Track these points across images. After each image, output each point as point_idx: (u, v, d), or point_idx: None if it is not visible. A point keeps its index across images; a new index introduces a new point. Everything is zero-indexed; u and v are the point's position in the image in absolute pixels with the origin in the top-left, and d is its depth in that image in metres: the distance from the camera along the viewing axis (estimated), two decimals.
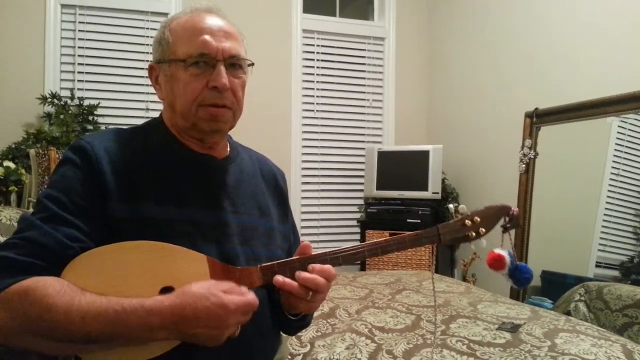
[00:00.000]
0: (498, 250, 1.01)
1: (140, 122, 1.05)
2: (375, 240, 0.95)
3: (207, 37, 0.91)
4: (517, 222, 1.01)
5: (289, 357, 1.33)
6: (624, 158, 2.24)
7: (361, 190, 3.52)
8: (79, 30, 3.07)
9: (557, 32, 2.65)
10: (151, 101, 3.14)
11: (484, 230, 0.98)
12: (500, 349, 1.30)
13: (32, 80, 2.96)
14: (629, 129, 2.24)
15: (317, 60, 3.61)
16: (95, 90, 3.09)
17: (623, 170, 2.24)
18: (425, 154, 3.16)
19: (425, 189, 3.14)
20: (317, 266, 0.88)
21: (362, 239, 3.22)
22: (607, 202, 2.27)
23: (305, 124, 3.57)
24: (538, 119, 2.63)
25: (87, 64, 3.09)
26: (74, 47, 3.06)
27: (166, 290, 0.80)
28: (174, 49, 0.93)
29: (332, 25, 3.65)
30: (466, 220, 0.98)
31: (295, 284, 0.86)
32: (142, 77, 3.10)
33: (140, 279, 0.79)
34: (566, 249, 2.50)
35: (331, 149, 3.64)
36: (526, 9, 2.88)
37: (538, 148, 2.63)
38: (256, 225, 1.00)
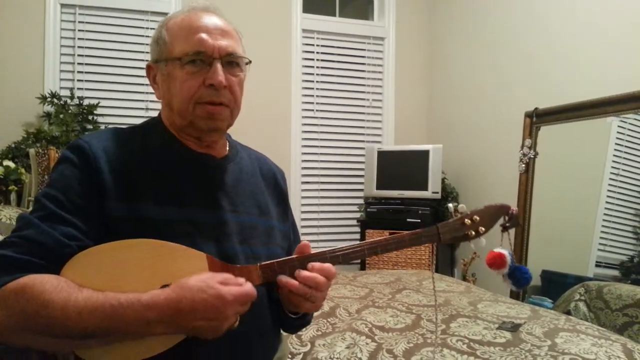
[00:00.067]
0: (498, 250, 1.01)
1: (140, 121, 1.04)
2: (375, 239, 0.95)
3: (203, 35, 0.91)
4: (517, 222, 1.01)
5: (290, 356, 1.33)
6: (624, 158, 2.25)
7: (361, 190, 3.52)
8: (79, 30, 3.07)
9: (557, 32, 2.65)
10: (151, 101, 3.14)
11: (483, 229, 0.98)
12: (500, 349, 1.30)
13: (32, 80, 2.96)
14: (629, 129, 2.24)
15: (317, 60, 3.61)
16: (95, 90, 3.09)
17: (623, 170, 2.24)
18: (425, 154, 3.17)
19: (425, 188, 3.14)
20: (317, 265, 0.89)
21: (362, 239, 3.22)
22: (607, 202, 2.27)
23: (305, 124, 3.57)
24: (538, 118, 2.63)
25: (86, 64, 3.09)
26: (73, 46, 3.06)
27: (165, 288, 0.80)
28: (170, 48, 0.94)
29: (331, 25, 3.65)
30: (466, 219, 0.98)
31: (297, 283, 0.86)
32: (142, 76, 3.09)
33: (139, 277, 0.79)
34: (566, 249, 2.50)
35: (331, 149, 3.64)
36: (526, 9, 2.88)
37: (538, 148, 2.63)
38: (255, 224, 1.00)
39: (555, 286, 2.38)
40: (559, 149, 2.57)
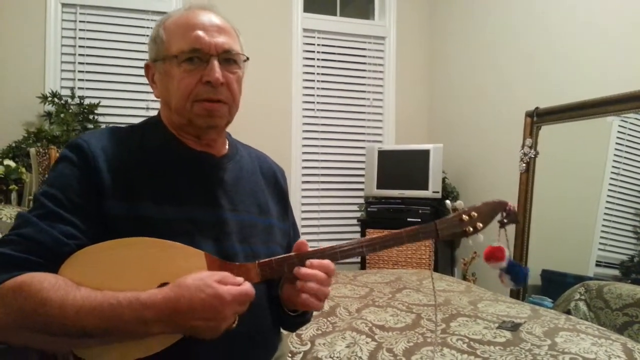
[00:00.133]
0: (495, 245, 1.01)
1: (140, 121, 1.05)
2: (373, 236, 0.95)
3: (199, 32, 0.91)
4: (515, 218, 1.01)
5: (290, 354, 1.34)
6: (625, 157, 2.25)
7: (361, 189, 3.52)
8: (80, 29, 3.07)
9: (557, 32, 2.65)
10: (151, 100, 3.15)
11: (481, 225, 0.98)
12: (500, 348, 1.30)
13: (33, 79, 2.96)
14: (630, 128, 2.24)
15: (318, 59, 3.61)
16: (96, 89, 3.09)
17: (623, 169, 2.24)
18: (425, 153, 3.17)
19: (426, 188, 3.14)
20: (316, 261, 0.89)
21: None
22: (608, 202, 2.27)
23: (306, 123, 3.57)
24: (538, 118, 2.63)
25: (87, 63, 3.09)
26: (74, 46, 3.06)
27: (163, 287, 0.79)
28: (168, 46, 0.94)
29: (332, 24, 3.65)
30: (463, 216, 0.98)
31: (311, 271, 0.87)
32: (143, 76, 3.05)
33: (138, 275, 0.79)
34: (566, 248, 2.50)
35: (331, 148, 3.64)
36: (526, 9, 2.88)
37: (538, 147, 2.63)
38: (255, 222, 1.00)
39: (555, 286, 2.38)
40: (559, 148, 2.57)
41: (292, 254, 0.91)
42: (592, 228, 2.31)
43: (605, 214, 2.27)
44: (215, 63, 0.91)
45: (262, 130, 3.25)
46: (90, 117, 2.97)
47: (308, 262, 0.88)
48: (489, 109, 3.17)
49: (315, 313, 1.58)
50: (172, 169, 0.93)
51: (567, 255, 2.48)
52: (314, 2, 3.65)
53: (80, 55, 3.07)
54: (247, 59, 0.99)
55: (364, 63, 3.72)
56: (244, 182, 1.02)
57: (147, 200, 0.87)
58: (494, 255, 1.00)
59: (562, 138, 2.55)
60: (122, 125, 1.00)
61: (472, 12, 3.37)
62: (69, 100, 2.93)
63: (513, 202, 1.03)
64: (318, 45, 3.61)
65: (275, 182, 1.13)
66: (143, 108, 3.16)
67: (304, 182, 3.55)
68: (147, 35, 3.14)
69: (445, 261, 3.42)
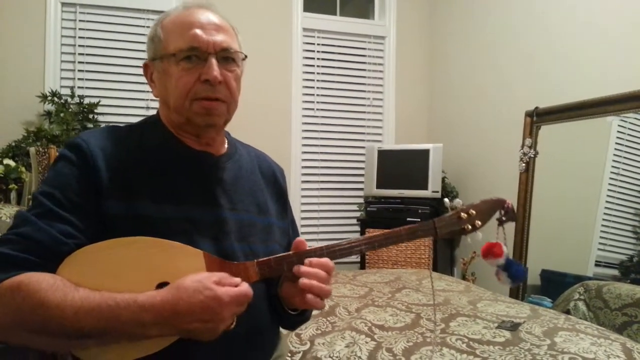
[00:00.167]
0: (494, 242, 1.01)
1: (139, 120, 1.05)
2: (372, 234, 0.95)
3: (197, 30, 0.91)
4: (514, 216, 1.01)
5: (289, 354, 1.34)
6: (624, 157, 2.25)
7: (361, 189, 3.52)
8: (79, 29, 3.07)
9: (557, 32, 2.65)
10: (151, 99, 3.14)
11: (479, 223, 0.98)
12: (500, 348, 1.30)
13: (33, 79, 2.96)
14: (629, 128, 2.24)
15: (318, 58, 3.61)
16: (96, 89, 3.09)
17: (623, 169, 2.24)
18: (425, 153, 3.17)
19: (425, 187, 3.14)
20: (315, 260, 0.89)
21: None
22: (607, 201, 2.27)
23: (306, 123, 3.57)
24: (538, 118, 2.63)
25: (87, 62, 3.09)
26: (74, 45, 3.06)
27: (162, 286, 0.79)
28: (165, 45, 0.94)
29: (332, 23, 3.65)
30: (462, 213, 0.98)
31: (312, 269, 0.87)
32: (142, 75, 3.08)
33: (136, 275, 0.79)
34: (566, 248, 2.50)
35: (331, 148, 3.64)
36: (526, 9, 2.88)
37: (538, 147, 2.63)
38: (254, 222, 1.00)
39: (555, 285, 2.38)
40: (559, 148, 2.57)
41: (290, 252, 0.91)
42: (591, 228, 2.31)
43: (605, 213, 2.27)
44: (213, 61, 0.91)
45: (261, 129, 3.25)
46: (90, 116, 2.97)
47: (307, 260, 0.88)
48: (488, 108, 3.17)
49: (314, 312, 1.58)
50: (171, 168, 0.93)
51: (566, 255, 2.48)
52: (314, 2, 3.65)
53: (80, 54, 3.07)
54: (246, 57, 0.99)
55: (364, 63, 3.72)
56: (243, 181, 1.02)
57: (145, 199, 0.87)
58: (491, 251, 1.00)
59: (562, 138, 2.55)
60: (121, 125, 1.00)
61: (472, 12, 3.37)
62: (69, 99, 2.93)
63: (513, 202, 1.02)
64: (318, 44, 3.61)
65: (274, 181, 1.13)
66: (143, 107, 3.16)
67: (303, 181, 3.55)
68: (147, 35, 3.15)
69: (444, 261, 3.42)
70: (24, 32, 2.96)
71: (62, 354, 0.84)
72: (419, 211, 3.08)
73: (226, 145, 1.05)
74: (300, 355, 1.35)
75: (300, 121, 3.54)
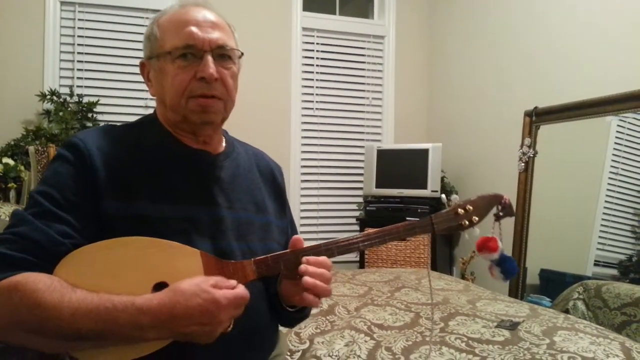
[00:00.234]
0: (489, 236, 1.01)
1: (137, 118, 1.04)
2: (370, 231, 0.95)
3: (193, 28, 0.91)
4: (511, 211, 1.00)
5: (288, 353, 1.34)
6: (623, 157, 2.25)
7: (360, 189, 3.52)
8: (79, 28, 3.07)
9: (557, 31, 2.65)
10: (150, 98, 3.14)
11: (477, 218, 0.98)
12: (499, 347, 1.30)
13: (32, 78, 2.96)
14: (628, 128, 2.24)
15: (317, 58, 3.61)
16: (95, 88, 3.09)
17: (622, 169, 2.24)
18: (424, 153, 3.17)
19: (425, 187, 3.14)
20: (312, 258, 0.88)
21: None
22: (606, 201, 2.27)
23: (305, 122, 3.57)
24: (537, 117, 2.63)
25: (86, 61, 3.09)
26: (73, 44, 3.06)
27: (160, 286, 0.79)
28: (161, 43, 0.94)
29: (332, 23, 3.65)
30: (459, 209, 0.98)
31: (315, 269, 0.87)
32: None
33: (133, 275, 0.79)
34: (565, 248, 2.50)
35: (330, 147, 3.64)
36: (526, 9, 2.88)
37: (537, 147, 2.63)
38: (252, 220, 1.00)
39: (554, 285, 2.38)
40: (558, 148, 2.57)
41: (287, 250, 0.91)
42: (590, 227, 2.32)
43: (604, 213, 2.27)
44: (209, 59, 0.91)
45: (261, 128, 3.25)
46: (89, 115, 2.97)
47: (304, 259, 0.88)
48: (488, 108, 3.17)
49: (314, 311, 1.58)
50: (168, 167, 0.93)
51: (565, 254, 2.49)
52: (314, 1, 3.64)
53: (79, 53, 3.07)
54: (242, 54, 0.99)
55: (363, 62, 3.72)
56: (240, 180, 1.02)
57: (144, 198, 0.86)
58: (486, 245, 0.99)
59: (561, 137, 2.55)
60: (119, 124, 1.00)
61: (472, 12, 3.37)
62: (68, 98, 2.93)
63: (512, 202, 1.02)
64: (317, 44, 3.61)
65: (272, 179, 1.13)
66: (142, 106, 3.16)
67: (302, 181, 3.55)
68: None
69: (443, 260, 3.42)
70: (23, 31, 2.96)
71: (60, 354, 0.83)
72: (419, 210, 3.08)
73: (224, 144, 1.05)
74: (299, 354, 1.35)
75: (300, 120, 3.54)
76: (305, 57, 3.57)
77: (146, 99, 3.15)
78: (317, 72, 3.60)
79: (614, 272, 2.21)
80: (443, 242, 3.43)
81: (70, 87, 3.00)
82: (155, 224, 0.85)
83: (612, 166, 2.26)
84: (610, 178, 2.27)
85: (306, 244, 0.92)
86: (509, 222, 1.01)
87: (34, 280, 0.74)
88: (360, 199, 3.53)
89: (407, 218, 3.07)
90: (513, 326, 1.44)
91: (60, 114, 2.84)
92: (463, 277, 2.97)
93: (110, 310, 0.73)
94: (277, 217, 1.08)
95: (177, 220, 0.88)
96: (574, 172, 2.49)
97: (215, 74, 0.91)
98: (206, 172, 0.97)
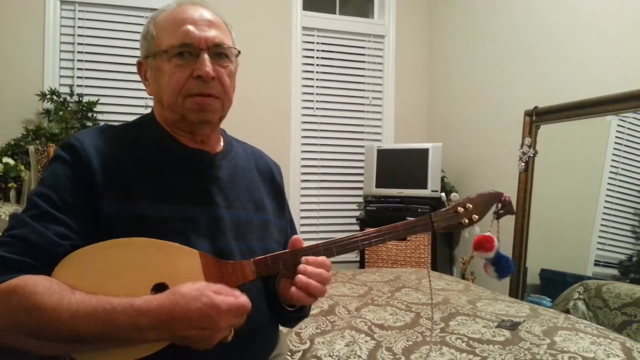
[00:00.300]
0: (486, 234, 1.00)
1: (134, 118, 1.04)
2: (368, 230, 0.95)
3: (189, 27, 0.91)
4: (511, 209, 1.00)
5: (289, 353, 1.34)
6: (623, 157, 2.25)
7: (360, 188, 3.52)
8: (79, 27, 3.06)
9: (557, 31, 2.65)
10: (150, 98, 3.13)
11: (477, 217, 0.98)
12: (499, 347, 1.30)
13: (32, 77, 2.95)
14: (628, 128, 2.24)
15: (317, 57, 3.61)
16: (95, 87, 3.09)
17: (622, 169, 2.24)
18: (424, 152, 3.16)
19: (425, 187, 3.14)
20: (311, 258, 0.88)
21: None
22: (606, 201, 2.27)
23: (305, 122, 3.57)
24: (537, 117, 2.63)
25: (86, 61, 3.09)
26: (73, 43, 3.06)
27: (159, 286, 0.79)
28: (158, 42, 0.93)
29: (332, 22, 3.65)
30: (459, 208, 0.98)
31: (312, 282, 0.87)
32: None
33: (132, 276, 0.79)
34: (565, 248, 2.50)
35: (330, 147, 3.64)
36: (526, 8, 2.88)
37: (537, 146, 2.63)
38: (251, 219, 0.99)
39: (554, 285, 2.38)
40: (558, 147, 2.57)
41: (286, 250, 0.91)
42: (590, 227, 2.32)
43: (604, 213, 2.27)
44: (206, 57, 0.91)
45: (261, 128, 3.25)
46: (89, 114, 2.96)
47: (303, 259, 0.88)
48: (488, 108, 3.17)
49: (314, 312, 1.58)
50: (167, 167, 0.93)
51: (565, 254, 2.49)
52: (314, 1, 3.64)
53: (79, 52, 3.07)
54: (239, 52, 0.99)
55: (364, 62, 3.72)
56: (239, 179, 1.02)
57: (142, 198, 0.86)
58: (482, 245, 0.99)
59: (561, 137, 2.55)
60: (116, 124, 0.99)
61: (472, 12, 3.37)
62: (68, 97, 2.93)
63: (512, 201, 1.02)
64: (317, 43, 3.61)
65: (271, 178, 1.12)
66: (142, 106, 3.16)
67: (302, 180, 3.55)
68: None
69: (444, 260, 3.42)
70: (23, 30, 2.96)
71: (60, 356, 0.83)
72: (419, 210, 3.07)
73: (222, 143, 1.05)
74: (300, 354, 1.35)
75: (300, 120, 3.54)
76: (305, 56, 3.57)
77: (146, 98, 3.14)
78: (317, 72, 3.60)
79: (614, 272, 2.21)
80: (443, 242, 3.43)
81: (71, 86, 3.00)
82: (154, 224, 0.85)
83: (612, 166, 2.26)
84: (610, 178, 2.27)
85: (306, 244, 0.92)
86: (509, 222, 1.01)
87: (33, 283, 0.74)
88: (361, 199, 3.53)
89: (407, 218, 3.06)
90: (513, 326, 1.44)
91: (61, 113, 2.84)
92: (463, 277, 2.97)
93: (109, 312, 0.73)
94: (275, 216, 1.08)
95: (176, 220, 0.88)
96: (574, 171, 2.49)
97: (212, 73, 0.91)
98: (204, 172, 0.97)
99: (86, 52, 3.08)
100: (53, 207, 0.81)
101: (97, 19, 3.10)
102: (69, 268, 0.78)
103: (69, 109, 2.90)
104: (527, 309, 1.66)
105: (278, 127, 3.47)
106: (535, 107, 2.63)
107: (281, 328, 1.10)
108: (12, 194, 2.49)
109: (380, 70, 3.76)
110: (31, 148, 2.56)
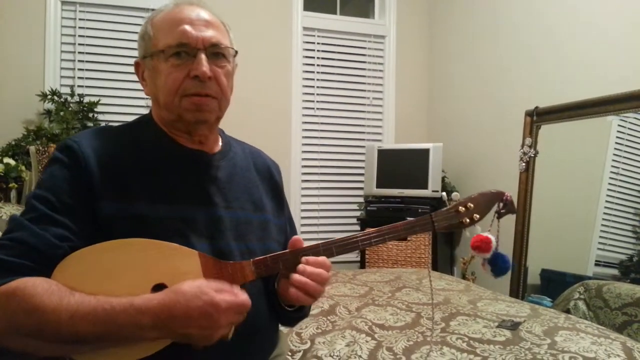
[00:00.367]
0: (485, 234, 1.00)
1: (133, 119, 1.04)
2: (368, 230, 0.94)
3: (186, 26, 0.91)
4: (513, 208, 0.99)
5: (289, 353, 1.34)
6: (624, 157, 2.25)
7: (361, 189, 3.51)
8: (79, 27, 3.07)
9: (558, 31, 2.65)
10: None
11: (478, 216, 0.97)
12: (500, 347, 1.30)
13: (33, 77, 2.96)
14: (629, 128, 2.24)
15: (318, 58, 3.61)
16: (96, 87, 3.09)
17: (623, 169, 2.24)
18: (425, 152, 3.16)
19: (425, 187, 3.14)
20: (311, 258, 0.89)
21: None
22: (607, 201, 2.27)
23: (306, 122, 3.57)
24: (538, 117, 2.63)
25: (87, 61, 3.09)
26: (74, 43, 3.06)
27: (158, 287, 0.79)
28: (155, 42, 0.94)
29: (332, 23, 3.65)
30: (460, 207, 0.97)
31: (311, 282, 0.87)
32: None
33: (132, 276, 0.79)
34: (566, 248, 2.50)
35: (331, 147, 3.64)
36: (527, 8, 2.88)
37: (538, 146, 2.63)
38: (250, 219, 0.99)
39: (555, 285, 2.38)
40: (559, 147, 2.57)
41: (286, 250, 0.91)
42: (591, 227, 2.31)
43: (605, 213, 2.27)
44: (203, 57, 0.91)
45: (261, 128, 3.25)
46: (90, 115, 2.97)
47: (304, 259, 0.88)
48: (489, 108, 3.17)
49: (315, 312, 1.58)
50: (165, 167, 0.93)
51: (566, 254, 2.48)
52: (314, 1, 3.64)
53: (80, 52, 3.07)
54: (237, 52, 0.99)
55: (364, 62, 3.72)
56: (237, 179, 1.02)
57: (141, 199, 0.86)
58: (479, 247, 0.99)
59: (562, 137, 2.55)
60: (115, 124, 0.99)
61: (472, 11, 3.37)
62: (69, 98, 2.93)
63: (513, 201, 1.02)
64: (318, 44, 3.61)
65: (270, 177, 1.12)
66: (143, 106, 3.16)
67: (303, 180, 3.55)
68: None
69: (444, 260, 3.42)
70: (24, 30, 2.96)
71: (60, 358, 0.84)
72: (419, 210, 3.07)
73: (220, 143, 1.05)
74: (300, 354, 1.35)
75: (300, 120, 3.54)
76: (306, 57, 3.57)
77: (147, 99, 3.13)
78: (317, 72, 3.60)
79: (615, 272, 2.21)
80: (444, 242, 3.43)
81: (71, 86, 3.00)
82: (153, 224, 0.85)
83: (613, 166, 2.26)
84: (611, 178, 2.26)
85: (306, 244, 0.92)
86: (509, 222, 1.01)
87: (32, 285, 0.74)
88: (361, 199, 3.53)
89: (408, 218, 3.06)
90: (514, 326, 1.44)
91: (61, 113, 2.84)
92: (464, 277, 2.96)
93: (109, 312, 0.73)
94: (275, 216, 1.08)
95: (175, 220, 0.88)
96: (574, 172, 2.49)
97: (209, 72, 0.91)
98: (203, 172, 0.97)
99: (87, 53, 3.08)
100: (51, 209, 0.81)
101: (98, 20, 3.10)
102: (68, 269, 0.78)
103: (70, 109, 2.91)
104: (527, 309, 1.66)
105: (279, 127, 3.47)
106: (536, 107, 2.63)
107: (281, 328, 1.10)
108: (13, 194, 2.49)
109: (380, 71, 3.75)
110: (32, 148, 2.56)
